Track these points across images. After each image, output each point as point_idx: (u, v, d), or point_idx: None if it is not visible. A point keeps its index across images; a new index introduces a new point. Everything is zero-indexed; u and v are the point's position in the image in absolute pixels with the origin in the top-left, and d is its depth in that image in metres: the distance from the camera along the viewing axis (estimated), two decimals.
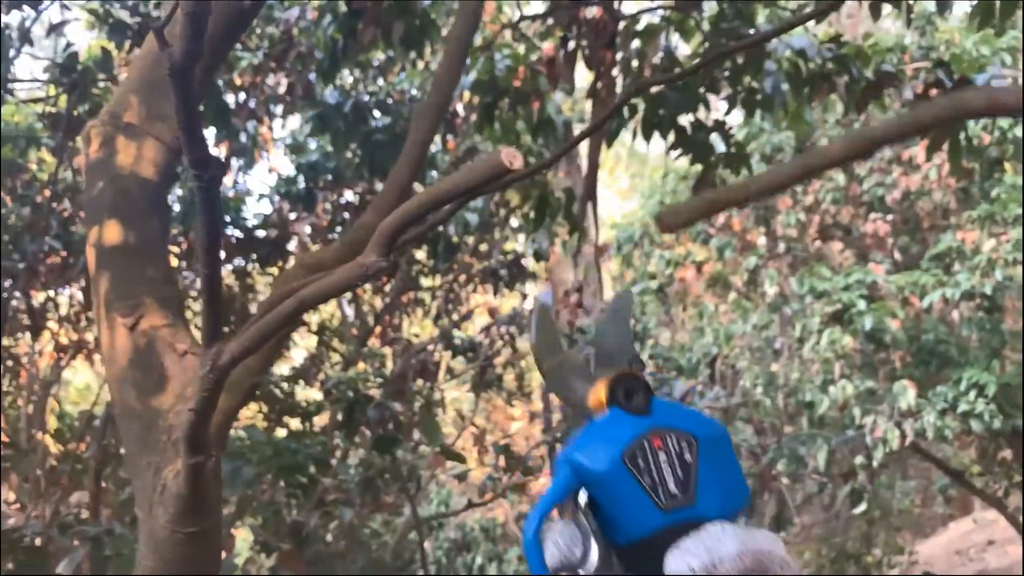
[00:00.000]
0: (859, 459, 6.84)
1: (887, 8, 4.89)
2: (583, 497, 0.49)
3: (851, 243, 10.12)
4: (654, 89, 4.18)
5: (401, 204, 1.84)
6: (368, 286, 8.10)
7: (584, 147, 8.23)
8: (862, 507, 6.94)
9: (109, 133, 1.62)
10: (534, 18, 4.17)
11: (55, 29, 4.48)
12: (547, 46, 4.13)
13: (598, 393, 0.53)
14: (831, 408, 7.31)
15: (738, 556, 0.48)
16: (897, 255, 9.50)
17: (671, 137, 4.36)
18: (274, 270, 6.50)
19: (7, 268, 5.53)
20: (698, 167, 4.49)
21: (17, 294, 6.12)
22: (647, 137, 4.33)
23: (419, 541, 5.21)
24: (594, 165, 3.86)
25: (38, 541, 2.61)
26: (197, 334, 1.61)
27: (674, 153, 4.55)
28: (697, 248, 9.53)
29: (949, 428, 6.83)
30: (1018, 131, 7.04)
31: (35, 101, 4.93)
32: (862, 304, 7.43)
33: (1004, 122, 6.72)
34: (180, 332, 1.57)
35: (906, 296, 7.61)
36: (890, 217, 9.27)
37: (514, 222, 7.54)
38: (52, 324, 6.58)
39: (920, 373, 7.81)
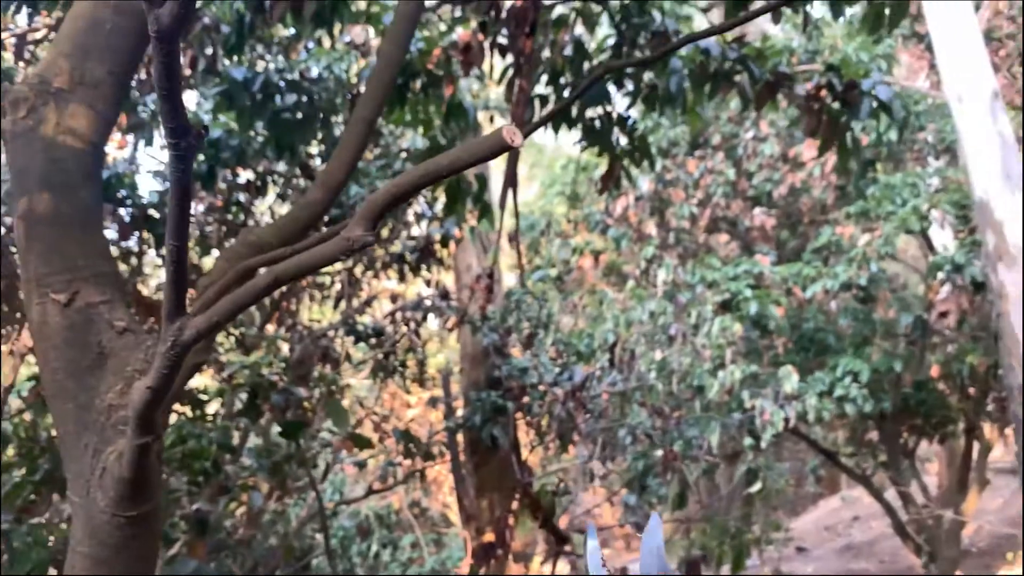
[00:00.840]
0: (747, 441, 7.21)
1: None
2: None
3: (737, 236, 10.62)
4: (563, 82, 4.27)
5: (346, 180, 1.83)
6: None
7: (488, 130, 8.27)
8: (757, 485, 7.33)
9: (38, 99, 1.53)
10: (453, 3, 4.16)
11: None
12: (462, 32, 4.14)
13: None
14: (719, 392, 7.67)
15: None
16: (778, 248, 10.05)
17: (569, 129, 4.47)
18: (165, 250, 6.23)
19: None
20: (599, 159, 4.63)
21: None
22: (556, 129, 4.42)
23: (323, 526, 5.14)
24: (515, 152, 3.90)
25: None
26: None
27: (577, 144, 4.67)
28: (595, 238, 9.76)
29: (827, 411, 7.30)
30: (892, 134, 7.57)
31: None
32: (749, 293, 7.83)
33: (883, 124, 7.21)
34: (118, 309, 1.50)
35: (789, 287, 8.06)
36: (774, 212, 9.79)
37: (416, 208, 7.51)
38: None
39: (801, 359, 8.30)
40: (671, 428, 6.28)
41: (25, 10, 5.01)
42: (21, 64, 5.05)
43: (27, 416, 5.43)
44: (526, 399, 7.30)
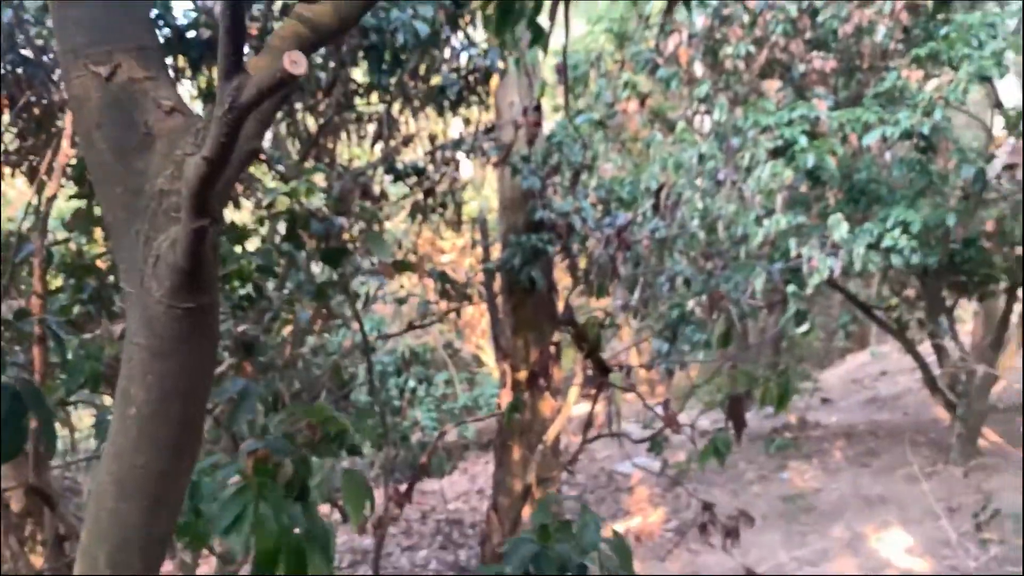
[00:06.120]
0: (791, 288, 7.12)
1: None
2: None
3: (790, 81, 10.08)
4: None
5: None
6: (300, 106, 7.69)
7: None
8: (805, 327, 7.31)
9: None
10: None
11: None
12: None
13: None
14: (763, 242, 7.51)
15: None
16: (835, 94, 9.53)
17: None
18: (204, 74, 6.07)
19: None
20: None
21: None
22: None
23: (365, 355, 5.24)
24: None
25: None
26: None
27: None
28: (643, 79, 9.31)
29: (873, 263, 7.14)
30: None
31: None
32: (804, 140, 7.49)
33: None
34: (164, 87, 1.37)
35: (845, 134, 7.69)
36: (832, 55, 9.21)
37: (455, 42, 7.14)
38: None
39: (850, 210, 8.06)
40: (717, 274, 6.18)
41: None
42: None
43: (72, 244, 5.47)
44: (565, 243, 7.22)
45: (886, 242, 7.18)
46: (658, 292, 7.56)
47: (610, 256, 6.62)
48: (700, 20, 8.69)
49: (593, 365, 4.69)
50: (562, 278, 8.75)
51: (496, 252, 8.21)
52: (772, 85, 10.88)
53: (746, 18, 8.82)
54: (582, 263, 7.31)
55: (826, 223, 7.04)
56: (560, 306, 6.60)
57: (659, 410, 4.44)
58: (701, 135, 8.71)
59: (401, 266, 4.48)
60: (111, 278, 4.30)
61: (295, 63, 0.94)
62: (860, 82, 9.64)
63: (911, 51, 8.19)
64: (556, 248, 7.20)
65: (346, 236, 5.44)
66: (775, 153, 7.44)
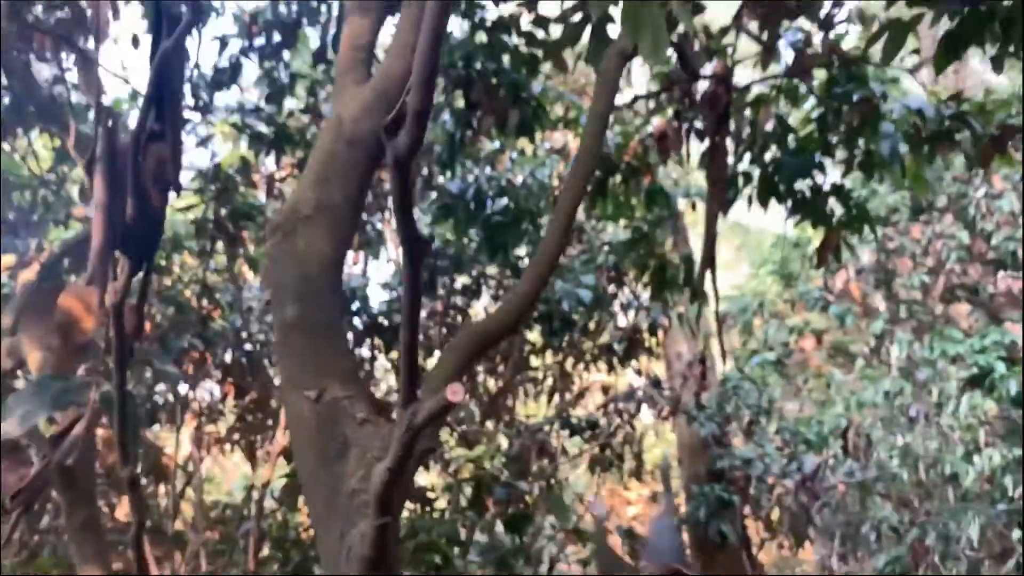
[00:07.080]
0: (1017, 534, 6.31)
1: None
2: None
3: (980, 304, 9.62)
4: (769, 157, 4.22)
5: (551, 271, 1.92)
6: (481, 368, 8.24)
7: (689, 216, 8.27)
8: None
9: (290, 224, 1.79)
10: (648, 96, 4.31)
11: (203, 143, 4.96)
12: (658, 121, 4.25)
13: None
14: (976, 480, 6.83)
15: None
16: None
17: (779, 204, 4.37)
18: (395, 355, 6.73)
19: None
20: (811, 234, 4.46)
21: (162, 388, 6.54)
22: (764, 204, 4.34)
23: None
24: (712, 233, 3.89)
25: None
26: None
27: (784, 220, 4.55)
28: (815, 316, 9.26)
29: None
30: None
31: (184, 209, 5.40)
32: (1001, 367, 7.01)
33: None
34: (358, 402, 1.67)
35: None
36: (1020, 274, 8.80)
37: (622, 298, 7.55)
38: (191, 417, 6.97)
39: None
40: (921, 521, 5.65)
41: (272, 153, 5.78)
42: (272, 199, 5.80)
43: (279, 515, 5.96)
44: (752, 491, 6.92)
45: None
46: (864, 541, 6.94)
47: (802, 504, 6.26)
48: (866, 254, 8.70)
49: None
50: (753, 528, 8.25)
51: (681, 502, 7.94)
52: (961, 310, 10.40)
53: (916, 248, 8.74)
54: (774, 513, 6.93)
55: None
56: (751, 564, 6.20)
57: None
58: (888, 365, 8.36)
59: (582, 535, 4.50)
60: (312, 552, 4.62)
61: (455, 393, 1.16)
62: None
63: None
64: (743, 498, 6.91)
65: (527, 499, 5.56)
66: (971, 383, 6.98)
